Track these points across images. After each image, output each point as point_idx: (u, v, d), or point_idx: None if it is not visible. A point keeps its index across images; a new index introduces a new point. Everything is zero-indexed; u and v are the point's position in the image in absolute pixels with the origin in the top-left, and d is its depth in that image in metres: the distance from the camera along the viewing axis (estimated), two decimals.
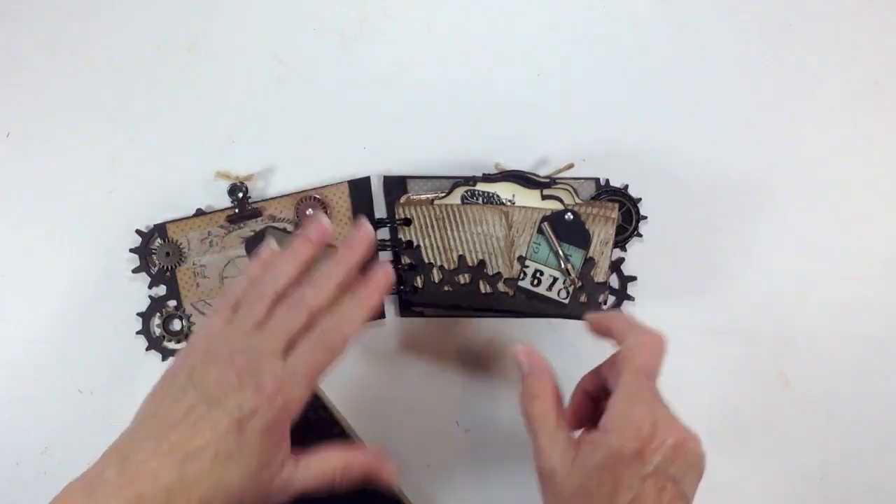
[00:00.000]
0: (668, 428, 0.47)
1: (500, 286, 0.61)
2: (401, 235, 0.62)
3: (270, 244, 0.55)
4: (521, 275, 0.61)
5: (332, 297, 0.51)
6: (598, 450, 0.46)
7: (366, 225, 0.53)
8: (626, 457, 0.46)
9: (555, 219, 0.61)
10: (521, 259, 0.61)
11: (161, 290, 0.65)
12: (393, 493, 0.62)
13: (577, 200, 0.62)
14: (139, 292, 0.65)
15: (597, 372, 0.54)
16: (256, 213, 0.64)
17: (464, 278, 0.61)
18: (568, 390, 0.65)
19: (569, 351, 0.66)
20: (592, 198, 0.65)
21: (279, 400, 0.48)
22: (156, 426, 0.49)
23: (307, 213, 0.64)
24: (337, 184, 0.65)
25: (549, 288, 0.61)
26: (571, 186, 0.62)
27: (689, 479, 0.47)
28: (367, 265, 0.52)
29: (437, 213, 0.62)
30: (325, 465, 0.51)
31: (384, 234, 0.65)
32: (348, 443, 0.61)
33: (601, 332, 0.53)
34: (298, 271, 0.52)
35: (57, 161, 0.66)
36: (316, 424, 0.61)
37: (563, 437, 0.48)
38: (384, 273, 0.52)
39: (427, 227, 0.62)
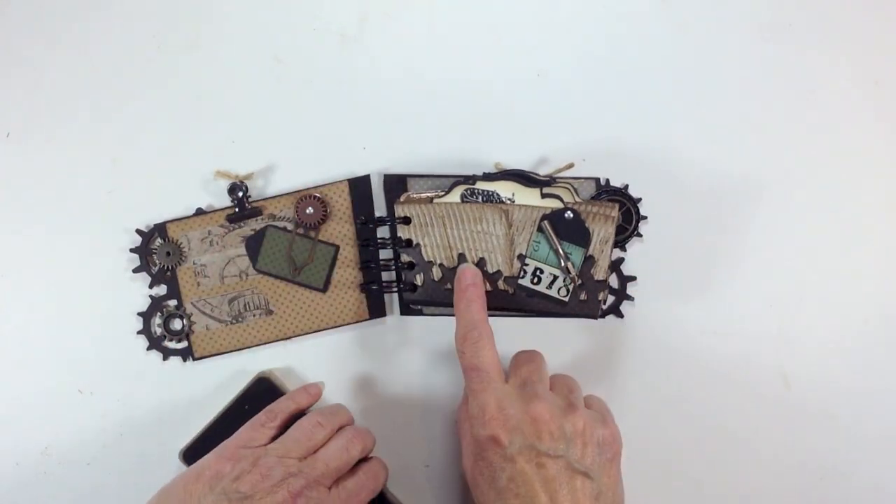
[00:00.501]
0: (518, 408, 0.52)
1: (500, 284, 0.61)
2: (400, 234, 0.62)
3: (320, 385, 0.64)
4: (521, 273, 0.61)
5: None
6: (470, 443, 0.52)
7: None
8: (485, 442, 0.51)
9: (554, 217, 0.61)
10: (521, 257, 0.61)
11: (161, 290, 0.65)
12: (382, 493, 0.62)
13: (577, 199, 0.62)
14: (139, 292, 0.65)
15: None
16: (256, 212, 0.64)
17: None
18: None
19: (569, 350, 0.66)
20: (592, 197, 0.65)
21: None
22: None
23: (307, 211, 0.64)
24: (337, 182, 0.65)
25: (549, 286, 0.61)
26: (571, 185, 0.62)
27: (581, 451, 0.52)
28: None
29: (437, 211, 0.62)
30: None
31: (384, 232, 0.65)
32: None
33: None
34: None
35: (57, 161, 0.66)
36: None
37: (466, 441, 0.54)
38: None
39: (427, 225, 0.62)
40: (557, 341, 0.66)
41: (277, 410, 0.60)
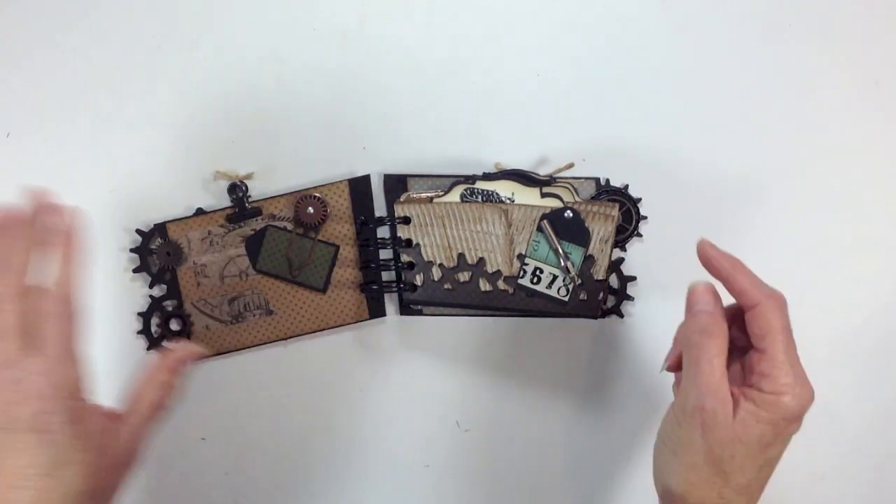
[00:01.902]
0: (811, 388, 0.51)
1: (500, 284, 0.61)
2: (400, 234, 0.62)
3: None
4: (521, 272, 0.61)
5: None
6: (770, 407, 0.49)
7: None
8: (794, 417, 0.50)
9: (554, 216, 0.61)
10: (521, 257, 0.61)
11: (161, 290, 0.65)
12: None
13: (577, 199, 0.62)
14: (139, 292, 0.65)
15: (730, 314, 0.54)
16: (256, 212, 0.64)
17: (464, 276, 0.61)
18: (566, 385, 0.66)
19: (569, 350, 0.66)
20: (592, 197, 0.65)
21: (61, 392, 0.47)
22: None
23: (307, 211, 0.64)
24: (337, 182, 0.65)
25: (549, 286, 0.61)
26: (571, 185, 0.62)
27: None
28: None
29: (437, 211, 0.62)
30: (145, 398, 0.54)
31: (384, 232, 0.65)
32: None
33: (715, 271, 0.54)
34: None
35: (57, 161, 0.66)
36: None
37: (726, 384, 0.50)
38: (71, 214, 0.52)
39: (426, 225, 0.62)
40: (557, 341, 0.66)
41: None
